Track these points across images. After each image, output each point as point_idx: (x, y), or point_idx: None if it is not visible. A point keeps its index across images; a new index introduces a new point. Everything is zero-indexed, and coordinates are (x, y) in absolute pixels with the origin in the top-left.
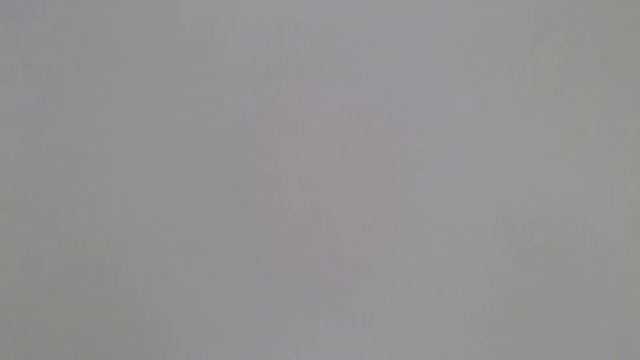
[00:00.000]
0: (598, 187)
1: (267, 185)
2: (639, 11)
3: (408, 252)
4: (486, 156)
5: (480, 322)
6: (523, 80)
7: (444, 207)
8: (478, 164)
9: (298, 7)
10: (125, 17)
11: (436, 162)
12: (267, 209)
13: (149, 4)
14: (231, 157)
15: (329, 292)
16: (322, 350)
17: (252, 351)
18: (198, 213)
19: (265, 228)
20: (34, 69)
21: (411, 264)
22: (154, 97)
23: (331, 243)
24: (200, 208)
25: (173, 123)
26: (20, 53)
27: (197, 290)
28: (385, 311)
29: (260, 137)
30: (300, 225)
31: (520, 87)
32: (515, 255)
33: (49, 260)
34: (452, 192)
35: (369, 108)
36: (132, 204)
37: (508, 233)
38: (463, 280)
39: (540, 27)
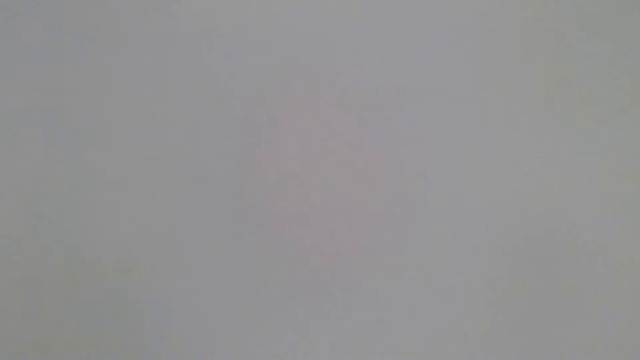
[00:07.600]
0: (599, 186)
1: (268, 184)
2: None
3: (409, 252)
4: (486, 155)
5: (480, 320)
6: (524, 79)
7: (444, 205)
8: (478, 163)
9: (299, 8)
10: (127, 18)
11: (437, 162)
12: (268, 207)
13: (151, 6)
14: (231, 157)
15: (330, 292)
16: (323, 350)
17: (253, 352)
18: (198, 213)
19: (265, 227)
20: (34, 69)
21: (412, 262)
22: (155, 97)
23: (332, 243)
24: (200, 208)
25: (173, 123)
26: (20, 53)
27: (197, 290)
28: (385, 311)
29: (262, 135)
30: (300, 226)
31: (521, 86)
32: (516, 254)
33: (49, 261)
34: (452, 191)
35: (369, 109)
36: (131, 204)
37: (508, 232)
38: (462, 279)
39: (542, 27)
